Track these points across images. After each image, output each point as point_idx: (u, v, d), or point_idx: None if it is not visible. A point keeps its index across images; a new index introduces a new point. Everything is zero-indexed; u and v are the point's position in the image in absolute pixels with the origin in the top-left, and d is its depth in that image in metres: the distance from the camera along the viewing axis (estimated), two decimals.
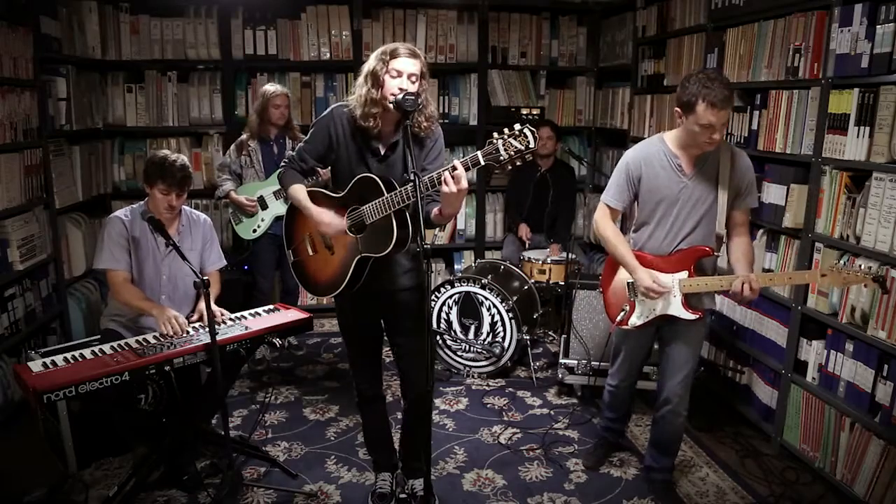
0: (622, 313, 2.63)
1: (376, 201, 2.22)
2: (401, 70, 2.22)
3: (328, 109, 2.41)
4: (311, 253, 2.50)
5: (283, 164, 2.47)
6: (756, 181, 3.15)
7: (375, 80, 2.24)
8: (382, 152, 2.35)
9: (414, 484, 2.71)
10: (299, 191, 2.40)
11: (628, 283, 2.61)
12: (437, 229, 5.15)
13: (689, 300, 2.52)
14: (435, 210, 2.27)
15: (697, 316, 2.51)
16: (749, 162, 2.51)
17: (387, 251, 2.24)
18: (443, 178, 2.07)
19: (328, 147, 2.38)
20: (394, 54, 2.23)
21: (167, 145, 4.67)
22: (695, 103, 2.27)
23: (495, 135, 2.05)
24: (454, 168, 2.06)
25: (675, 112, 2.41)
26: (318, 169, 2.50)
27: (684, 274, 2.49)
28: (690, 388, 2.65)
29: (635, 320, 2.60)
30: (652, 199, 2.52)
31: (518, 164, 2.05)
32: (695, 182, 2.46)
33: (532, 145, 2.01)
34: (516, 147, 2.01)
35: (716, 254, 2.51)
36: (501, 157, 2.02)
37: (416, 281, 2.44)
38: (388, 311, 2.50)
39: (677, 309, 2.51)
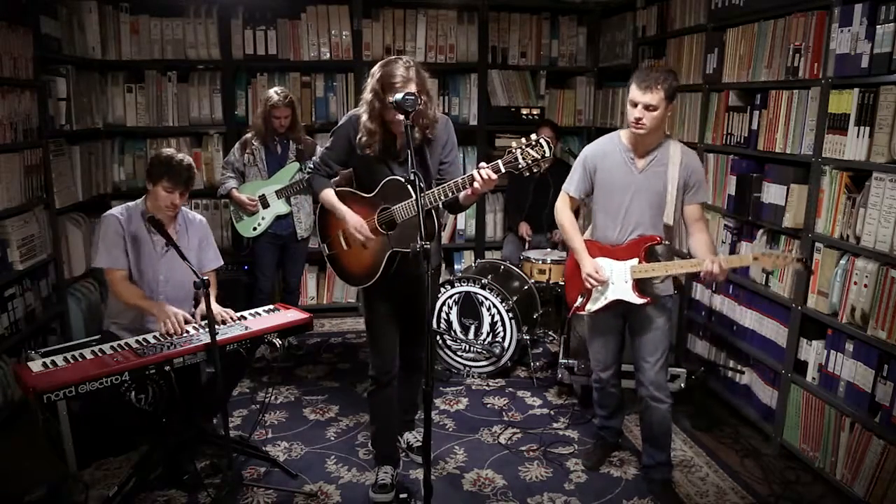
0: (580, 300, 2.78)
1: (405, 203, 2.41)
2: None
3: (346, 116, 2.58)
4: (345, 247, 2.66)
5: (308, 170, 2.69)
6: (758, 180, 3.16)
7: (372, 114, 2.40)
8: (402, 156, 2.48)
9: (408, 437, 2.95)
10: (329, 194, 2.60)
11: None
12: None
13: (640, 286, 2.64)
14: (461, 196, 2.43)
15: (646, 300, 2.63)
16: (697, 159, 2.70)
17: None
18: (473, 180, 2.27)
19: (349, 153, 2.56)
20: (389, 88, 2.32)
21: (167, 145, 4.66)
22: (630, 84, 2.56)
23: (514, 144, 2.23)
24: (479, 173, 2.25)
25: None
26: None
27: (635, 261, 2.64)
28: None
29: (591, 306, 2.75)
30: (605, 190, 2.70)
31: (534, 171, 2.24)
32: (645, 175, 2.63)
33: (547, 154, 2.21)
34: (533, 156, 2.20)
35: (665, 242, 2.66)
36: (520, 165, 2.22)
37: (437, 262, 2.73)
38: (412, 290, 2.62)
39: (628, 294, 2.65)
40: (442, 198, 2.35)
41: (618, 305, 2.69)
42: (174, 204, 2.77)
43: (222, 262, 3.13)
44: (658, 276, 2.62)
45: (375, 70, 2.40)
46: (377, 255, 2.56)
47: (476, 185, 2.27)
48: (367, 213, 2.55)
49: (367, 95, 2.42)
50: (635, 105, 2.51)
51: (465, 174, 2.35)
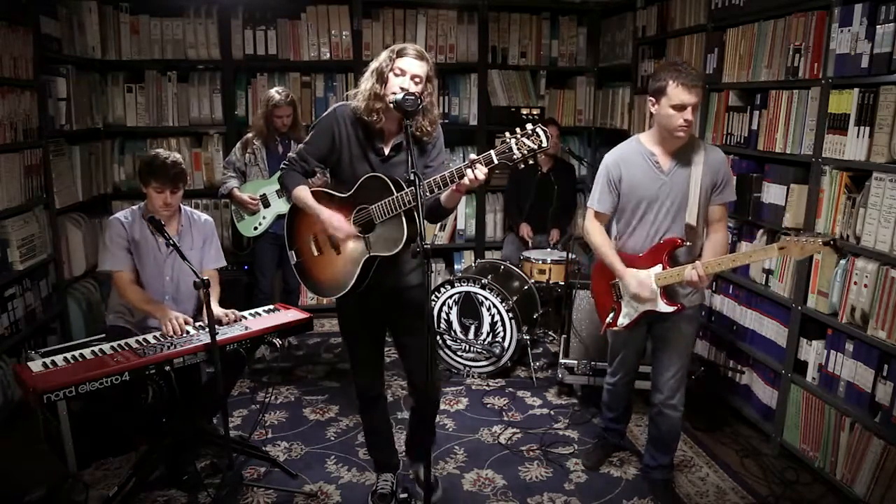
0: (610, 315, 2.69)
1: (386, 200, 2.23)
2: (404, 69, 2.23)
3: (330, 108, 2.40)
4: (315, 253, 2.47)
5: (283, 166, 2.44)
6: (758, 180, 3.16)
7: (380, 76, 2.25)
8: (386, 152, 2.36)
9: (419, 469, 2.73)
10: (304, 192, 2.38)
11: (612, 284, 2.68)
12: (437, 228, 5.15)
13: (668, 293, 2.55)
14: (443, 196, 2.30)
15: (675, 308, 2.53)
16: (723, 156, 2.55)
17: (397, 250, 2.25)
18: (464, 174, 2.11)
19: (331, 148, 2.37)
20: (401, 53, 2.25)
21: (167, 145, 4.67)
22: (666, 86, 2.37)
23: (507, 134, 2.08)
24: (473, 165, 2.09)
25: (648, 102, 2.49)
26: (318, 171, 2.49)
27: (658, 268, 2.53)
28: (686, 385, 2.68)
29: (623, 321, 2.65)
30: (633, 198, 2.56)
31: (530, 162, 2.09)
32: (672, 177, 2.51)
33: (545, 145, 2.06)
34: (529, 146, 2.05)
35: (687, 243, 2.53)
36: (514, 156, 2.07)
37: (422, 279, 2.40)
38: (393, 309, 2.50)
39: (657, 304, 2.55)
40: (427, 193, 2.16)
41: (647, 316, 2.61)
42: (167, 203, 2.78)
43: (224, 263, 3.11)
44: (683, 282, 2.48)
45: (390, 46, 2.30)
46: (352, 261, 2.35)
47: (466, 180, 2.11)
48: (343, 214, 2.35)
49: (376, 61, 2.27)
50: (682, 108, 2.34)
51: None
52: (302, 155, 2.40)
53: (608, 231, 2.70)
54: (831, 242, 2.21)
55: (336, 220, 2.32)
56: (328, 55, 4.76)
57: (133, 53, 4.52)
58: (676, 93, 2.35)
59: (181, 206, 2.95)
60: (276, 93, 3.81)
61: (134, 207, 2.91)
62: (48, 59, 3.78)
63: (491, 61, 5.05)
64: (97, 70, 4.47)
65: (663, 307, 2.54)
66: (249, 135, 3.97)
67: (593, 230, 2.65)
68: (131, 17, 4.48)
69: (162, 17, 4.52)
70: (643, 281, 2.53)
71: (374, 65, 2.29)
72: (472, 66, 5.01)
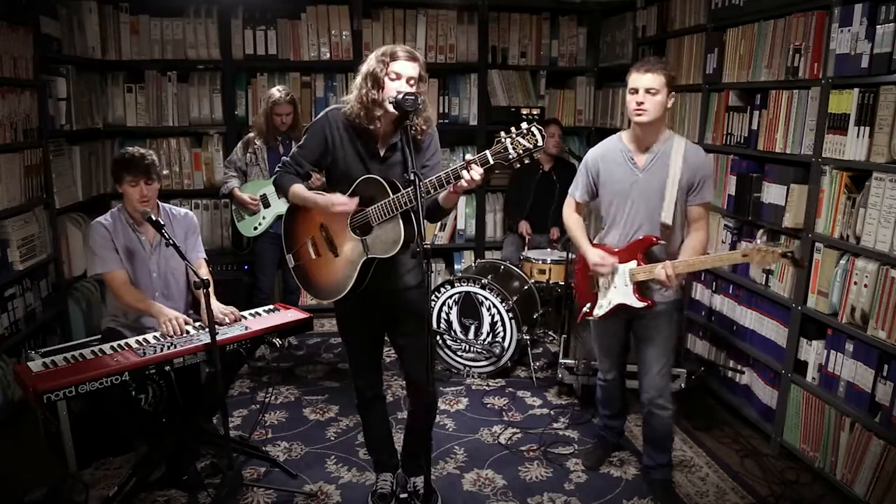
0: (587, 305, 2.77)
1: (383, 202, 2.22)
2: (400, 73, 2.22)
3: (323, 112, 2.39)
4: (313, 256, 2.46)
5: (277, 168, 2.43)
6: (758, 180, 3.15)
7: (376, 82, 2.23)
8: (382, 154, 2.35)
9: (416, 481, 2.72)
10: (299, 188, 2.37)
11: (590, 275, 2.74)
12: (437, 228, 5.16)
13: (640, 289, 2.61)
14: (441, 196, 2.29)
15: (646, 303, 2.59)
16: (703, 157, 2.59)
17: (395, 252, 2.24)
18: (460, 175, 2.09)
19: (324, 150, 2.37)
20: (393, 57, 2.23)
21: (167, 145, 4.67)
22: (629, 76, 2.52)
23: (503, 133, 2.07)
24: (469, 166, 2.07)
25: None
26: (313, 174, 2.48)
27: (633, 264, 2.60)
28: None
29: (598, 311, 2.72)
30: (608, 193, 2.67)
31: (526, 162, 2.08)
32: (647, 175, 2.57)
33: (540, 143, 2.04)
34: (524, 146, 2.03)
35: (661, 242, 2.58)
36: (510, 156, 2.05)
37: (420, 280, 2.41)
38: (391, 310, 2.49)
39: (629, 297, 2.62)
40: (424, 194, 2.13)
41: (622, 310, 2.65)
42: (144, 195, 2.77)
43: (204, 255, 3.08)
44: (656, 280, 2.56)
45: (376, 51, 2.28)
46: (351, 263, 2.34)
47: (463, 181, 2.09)
48: (340, 218, 2.33)
49: (368, 67, 2.24)
50: (636, 91, 2.47)
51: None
52: (296, 158, 2.40)
53: (600, 224, 2.81)
54: (789, 254, 2.31)
55: (336, 198, 2.28)
56: (328, 55, 4.76)
57: (133, 53, 4.52)
58: (631, 77, 2.50)
59: (160, 203, 2.93)
60: (276, 90, 3.82)
61: (113, 210, 2.91)
62: (48, 59, 3.78)
63: (491, 61, 5.05)
64: (97, 70, 4.47)
65: (635, 302, 2.61)
66: (251, 134, 3.98)
67: (568, 214, 2.82)
68: (131, 17, 4.48)
69: (162, 17, 4.52)
70: (606, 256, 2.62)
71: (365, 69, 2.26)
72: (472, 66, 5.01)
